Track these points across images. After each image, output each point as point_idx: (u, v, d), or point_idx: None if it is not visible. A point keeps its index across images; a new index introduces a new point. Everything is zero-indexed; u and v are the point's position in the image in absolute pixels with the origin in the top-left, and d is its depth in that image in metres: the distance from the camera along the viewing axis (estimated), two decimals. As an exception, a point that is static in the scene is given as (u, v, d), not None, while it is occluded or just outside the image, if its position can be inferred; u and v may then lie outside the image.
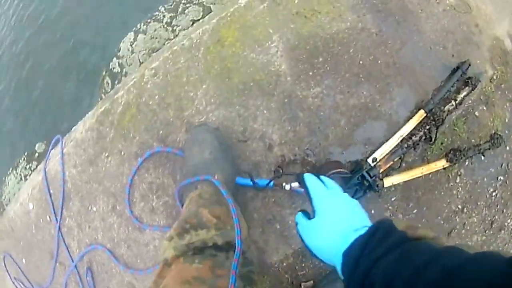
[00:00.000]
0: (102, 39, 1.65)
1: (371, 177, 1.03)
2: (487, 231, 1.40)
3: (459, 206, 1.29)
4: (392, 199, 1.16)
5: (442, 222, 1.26)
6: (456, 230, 1.30)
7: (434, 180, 1.21)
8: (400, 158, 1.12)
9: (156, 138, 1.14)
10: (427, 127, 1.11)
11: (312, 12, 1.14)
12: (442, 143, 1.23)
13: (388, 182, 1.08)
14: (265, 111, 1.08)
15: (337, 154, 1.08)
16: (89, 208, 1.23)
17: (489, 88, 1.36)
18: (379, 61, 1.13)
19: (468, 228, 1.33)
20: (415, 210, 1.19)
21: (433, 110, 1.13)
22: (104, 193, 1.20)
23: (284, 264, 1.13)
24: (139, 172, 1.15)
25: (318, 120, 1.08)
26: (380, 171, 1.08)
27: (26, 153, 2.07)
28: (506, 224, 1.46)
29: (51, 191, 1.26)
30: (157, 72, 1.15)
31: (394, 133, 1.09)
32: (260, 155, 1.07)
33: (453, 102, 1.15)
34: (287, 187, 1.02)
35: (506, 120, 1.43)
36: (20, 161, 2.04)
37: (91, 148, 1.21)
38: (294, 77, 1.09)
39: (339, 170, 0.97)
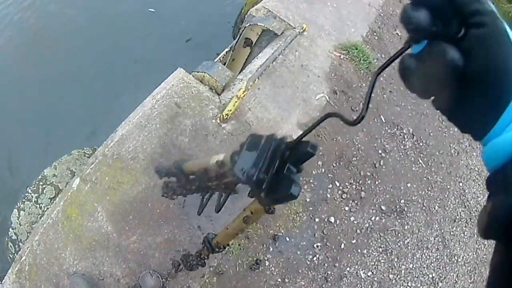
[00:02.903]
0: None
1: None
2: (323, 286, 1.92)
3: (279, 280, 1.83)
4: (211, 289, 1.74)
5: (263, 294, 1.82)
6: (283, 296, 1.86)
7: (243, 271, 1.76)
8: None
9: (53, 286, 1.77)
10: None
11: (118, 183, 1.65)
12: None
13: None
14: (107, 258, 1.67)
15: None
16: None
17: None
18: (171, 206, 1.65)
19: (297, 292, 1.87)
20: (233, 292, 1.77)
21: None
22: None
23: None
24: (53, 304, 1.81)
25: (141, 257, 1.65)
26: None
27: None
28: (345, 272, 1.96)
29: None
30: (39, 243, 1.75)
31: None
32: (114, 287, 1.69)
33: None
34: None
35: (304, 202, 1.89)
36: None
37: (22, 292, 1.87)
38: (118, 233, 1.65)
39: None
